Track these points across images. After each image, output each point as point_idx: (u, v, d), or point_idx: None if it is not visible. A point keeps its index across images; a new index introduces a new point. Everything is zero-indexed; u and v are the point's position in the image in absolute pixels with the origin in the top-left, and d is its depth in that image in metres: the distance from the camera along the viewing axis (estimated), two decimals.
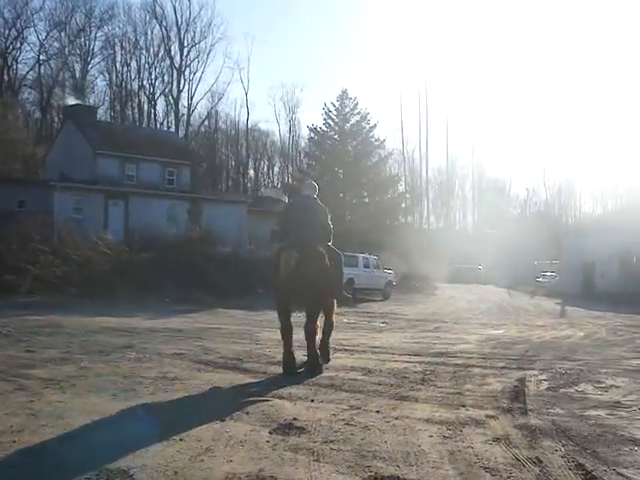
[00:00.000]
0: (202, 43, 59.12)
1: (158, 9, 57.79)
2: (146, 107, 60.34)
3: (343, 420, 4.85)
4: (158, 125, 58.14)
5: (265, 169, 72.14)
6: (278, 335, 7.37)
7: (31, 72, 53.49)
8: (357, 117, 44.83)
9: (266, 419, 4.84)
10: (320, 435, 4.41)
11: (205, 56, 59.84)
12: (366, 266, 28.26)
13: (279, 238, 7.74)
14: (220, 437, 4.30)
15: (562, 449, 4.23)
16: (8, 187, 28.15)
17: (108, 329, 11.09)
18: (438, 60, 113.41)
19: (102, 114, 52.42)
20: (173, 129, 55.77)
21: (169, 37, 58.37)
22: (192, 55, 58.96)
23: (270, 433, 4.44)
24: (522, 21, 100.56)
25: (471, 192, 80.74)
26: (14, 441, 4.13)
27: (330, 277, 7.31)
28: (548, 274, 40.96)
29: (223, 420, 4.73)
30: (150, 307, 16.31)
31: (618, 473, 3.76)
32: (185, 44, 58.41)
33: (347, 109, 44.69)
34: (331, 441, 4.27)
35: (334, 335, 8.57)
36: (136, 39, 58.13)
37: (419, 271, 40.28)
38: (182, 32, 58.09)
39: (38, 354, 7.93)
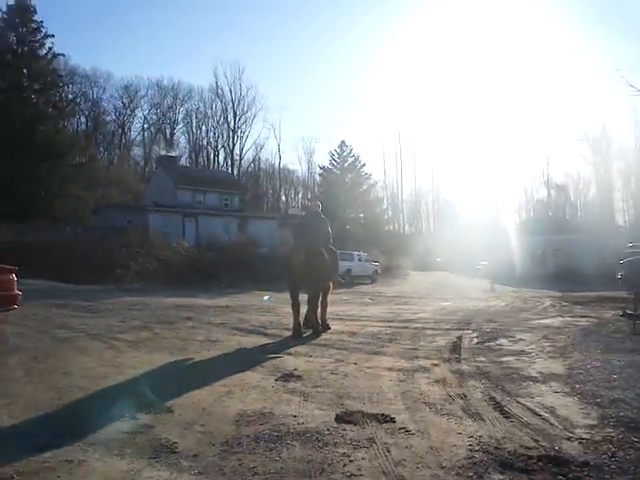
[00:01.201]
0: (248, 112, 59.05)
1: (219, 91, 58.28)
2: (212, 156, 60.77)
3: (329, 370, 4.63)
4: (219, 167, 58.47)
5: (292, 195, 71.80)
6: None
7: (138, 136, 56.08)
8: (352, 158, 44.88)
9: (274, 370, 4.62)
10: (311, 381, 4.20)
11: (251, 121, 60.04)
12: (359, 260, 27.85)
13: (294, 241, 7.54)
14: (239, 383, 4.09)
15: (481, 386, 4.02)
16: (122, 211, 28.62)
17: (178, 306, 10.91)
18: (408, 118, 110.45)
19: (183, 161, 53.33)
20: (229, 170, 56.05)
21: (226, 109, 58.64)
22: (242, 120, 58.96)
23: (275, 380, 4.23)
24: (467, 83, 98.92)
25: (432, 208, 79.73)
26: (97, 384, 4.01)
27: (328, 269, 7.11)
28: (483, 263, 40.27)
29: (244, 371, 4.52)
30: (210, 291, 16.15)
31: (517, 402, 3.60)
32: (237, 113, 58.56)
33: (345, 153, 44.78)
34: (318, 386, 4.06)
35: (333, 308, 8.35)
36: (205, 111, 59.12)
37: (397, 263, 39.71)
38: (235, 106, 58.21)
39: (128, 323, 7.79)
